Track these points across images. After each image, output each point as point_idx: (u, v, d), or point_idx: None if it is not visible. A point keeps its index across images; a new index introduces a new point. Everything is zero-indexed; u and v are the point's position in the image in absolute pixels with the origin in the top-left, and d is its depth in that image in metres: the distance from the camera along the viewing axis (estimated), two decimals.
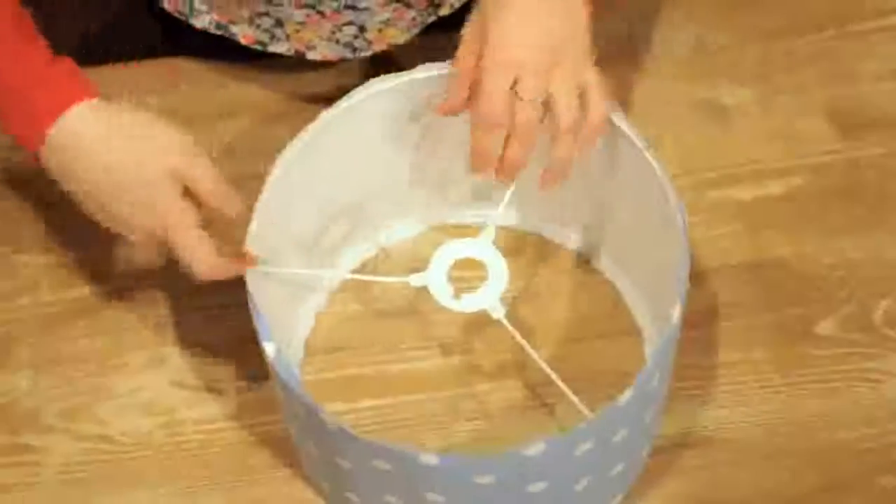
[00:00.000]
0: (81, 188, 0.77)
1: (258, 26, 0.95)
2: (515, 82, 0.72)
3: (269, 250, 0.78)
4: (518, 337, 0.77)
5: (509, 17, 0.71)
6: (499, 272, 0.79)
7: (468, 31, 0.74)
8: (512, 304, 0.87)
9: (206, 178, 0.77)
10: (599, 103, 0.74)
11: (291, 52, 0.96)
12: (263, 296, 0.76)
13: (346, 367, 0.87)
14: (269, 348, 0.73)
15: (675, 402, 0.83)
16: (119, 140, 0.75)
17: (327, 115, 0.81)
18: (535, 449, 0.69)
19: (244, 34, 0.95)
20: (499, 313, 0.78)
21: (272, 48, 0.96)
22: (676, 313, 0.73)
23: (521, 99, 0.72)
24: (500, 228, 0.81)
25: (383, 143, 0.82)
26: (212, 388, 0.86)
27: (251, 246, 0.77)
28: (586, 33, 0.74)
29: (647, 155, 0.78)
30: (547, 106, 0.74)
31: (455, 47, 0.77)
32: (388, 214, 0.91)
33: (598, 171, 0.84)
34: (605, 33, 1.01)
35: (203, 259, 0.76)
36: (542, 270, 0.91)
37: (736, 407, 0.84)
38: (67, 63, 0.78)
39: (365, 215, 0.88)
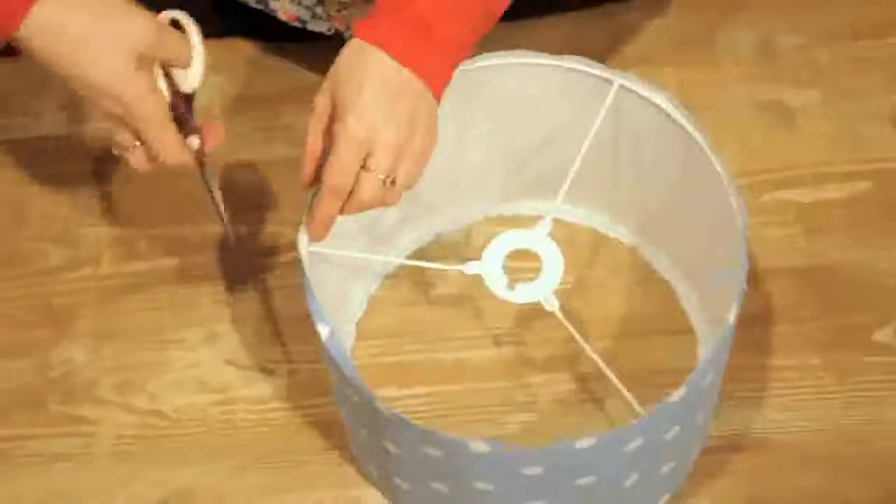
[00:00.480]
0: (58, 71, 0.75)
1: (299, 3, 0.95)
2: (367, 157, 0.73)
3: (333, 229, 0.78)
4: (572, 330, 0.77)
5: (362, 95, 0.73)
6: (554, 265, 0.78)
7: (319, 102, 0.75)
8: (565, 297, 0.87)
9: (177, 52, 0.76)
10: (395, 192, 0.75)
11: (331, 32, 0.96)
12: (318, 277, 0.76)
13: (397, 352, 0.87)
14: (322, 330, 0.74)
15: (728, 403, 0.82)
16: (81, 31, 0.74)
17: None
18: (585, 442, 0.69)
19: (284, 10, 0.96)
20: (552, 306, 0.78)
21: (311, 27, 0.96)
22: (733, 314, 0.73)
23: (369, 172, 0.74)
24: (556, 221, 0.80)
25: (445, 129, 0.82)
26: (265, 369, 0.87)
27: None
28: (431, 120, 0.75)
29: (710, 154, 0.78)
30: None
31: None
32: (445, 202, 0.91)
33: (659, 168, 0.84)
34: (673, 31, 1.01)
35: (168, 147, 0.76)
36: (596, 265, 0.90)
37: (789, 411, 0.83)
38: None
39: (422, 201, 0.88)
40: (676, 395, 0.70)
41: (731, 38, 1.01)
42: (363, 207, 0.75)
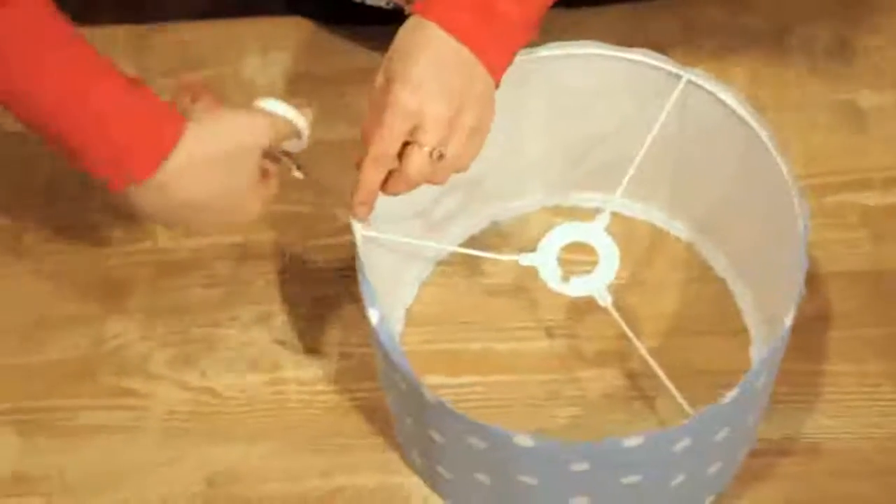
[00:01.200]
0: (178, 212, 0.74)
1: None
2: (415, 130, 0.72)
3: (388, 213, 0.78)
4: (624, 327, 0.76)
5: (415, 67, 0.72)
6: (610, 259, 0.78)
7: (378, 80, 0.74)
8: (619, 292, 0.86)
9: (288, 132, 0.76)
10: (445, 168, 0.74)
11: (390, 6, 0.95)
12: (372, 261, 0.76)
13: (446, 340, 0.87)
14: (373, 315, 0.74)
15: (778, 406, 0.81)
16: (217, 160, 0.73)
17: None
18: (633, 441, 0.68)
19: None
20: (606, 301, 0.77)
21: (371, 0, 0.95)
22: (790, 316, 0.72)
23: (417, 145, 0.72)
24: (614, 215, 0.80)
25: (502, 118, 0.82)
26: (315, 351, 0.87)
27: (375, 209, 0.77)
28: (485, 99, 0.74)
29: (775, 153, 0.77)
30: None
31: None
32: (503, 191, 0.90)
33: (721, 165, 0.83)
34: (746, 28, 1.00)
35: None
36: (652, 261, 0.90)
37: (842, 418, 0.82)
38: (143, 88, 0.71)
39: (480, 189, 0.88)
40: (729, 396, 0.69)
41: (803, 38, 0.99)
42: (410, 183, 0.74)
